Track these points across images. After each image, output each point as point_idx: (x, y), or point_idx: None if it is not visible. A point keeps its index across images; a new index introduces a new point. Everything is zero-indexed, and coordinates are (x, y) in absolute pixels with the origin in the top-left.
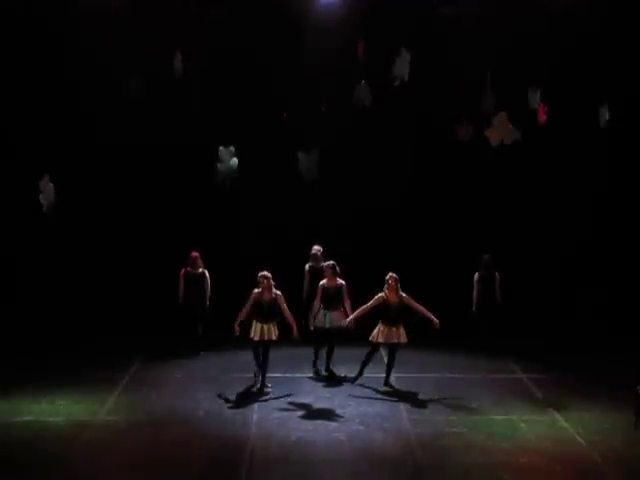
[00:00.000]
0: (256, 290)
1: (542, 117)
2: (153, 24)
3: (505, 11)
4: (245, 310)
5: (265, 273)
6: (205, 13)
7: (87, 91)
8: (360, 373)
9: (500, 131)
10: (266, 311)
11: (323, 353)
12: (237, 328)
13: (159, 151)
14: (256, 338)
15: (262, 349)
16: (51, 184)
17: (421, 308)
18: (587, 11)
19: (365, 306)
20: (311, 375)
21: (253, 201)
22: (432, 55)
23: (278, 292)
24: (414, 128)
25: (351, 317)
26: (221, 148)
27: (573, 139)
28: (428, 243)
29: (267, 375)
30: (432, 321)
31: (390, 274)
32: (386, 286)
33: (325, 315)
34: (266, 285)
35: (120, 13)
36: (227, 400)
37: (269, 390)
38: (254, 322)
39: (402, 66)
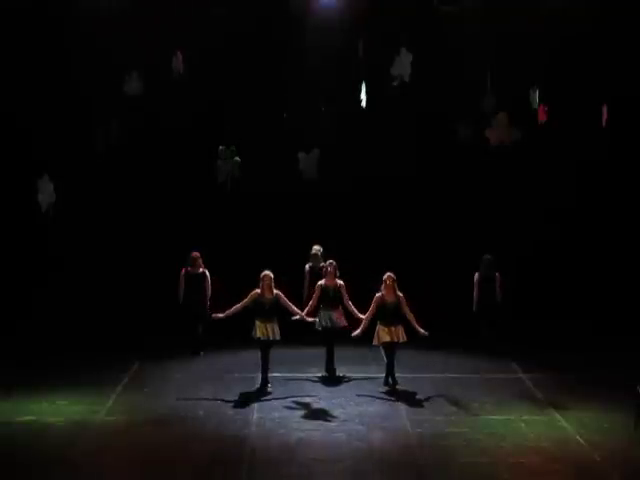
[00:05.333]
0: (257, 290)
1: (542, 117)
2: (153, 23)
3: (505, 11)
4: (238, 307)
5: (267, 273)
6: (205, 13)
7: (87, 90)
8: (391, 377)
9: (500, 131)
10: (267, 310)
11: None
12: (218, 315)
13: (159, 151)
14: (262, 338)
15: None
16: (50, 183)
17: (410, 316)
18: (587, 11)
19: (368, 314)
20: (312, 375)
21: (253, 201)
22: (432, 55)
23: (277, 291)
24: (414, 128)
25: (357, 332)
26: (222, 147)
27: (573, 139)
28: (428, 243)
29: (268, 375)
30: (417, 332)
31: (388, 274)
32: (383, 285)
33: (326, 315)
34: (267, 284)
35: (120, 12)
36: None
37: (269, 390)
38: (256, 322)
39: (402, 66)
